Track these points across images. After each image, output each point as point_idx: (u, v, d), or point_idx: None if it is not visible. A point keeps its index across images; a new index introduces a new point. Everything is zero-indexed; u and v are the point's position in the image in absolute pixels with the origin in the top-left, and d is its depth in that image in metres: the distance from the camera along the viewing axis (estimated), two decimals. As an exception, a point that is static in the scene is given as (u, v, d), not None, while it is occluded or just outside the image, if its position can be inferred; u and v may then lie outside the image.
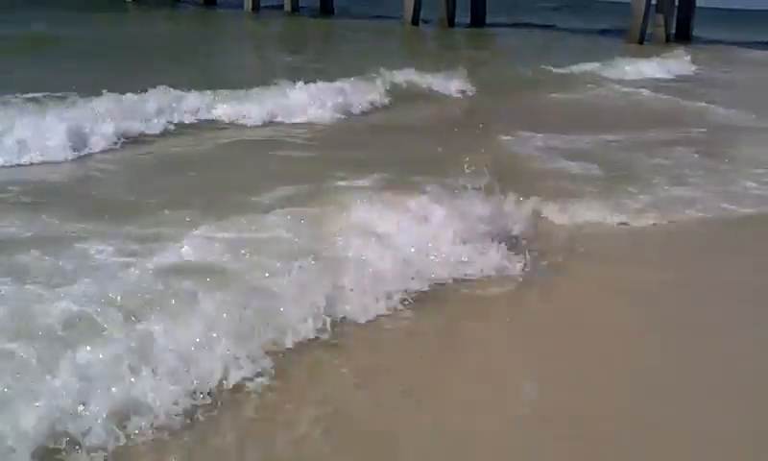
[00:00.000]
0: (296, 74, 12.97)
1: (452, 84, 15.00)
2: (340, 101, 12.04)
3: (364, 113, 12.44)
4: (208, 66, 17.84)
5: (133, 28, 29.96)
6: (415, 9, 37.06)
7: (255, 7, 41.34)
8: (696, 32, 36.91)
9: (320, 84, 12.45)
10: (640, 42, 32.35)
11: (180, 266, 5.00)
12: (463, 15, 39.16)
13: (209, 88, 11.49)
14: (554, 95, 15.94)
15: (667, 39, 33.11)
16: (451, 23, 38.37)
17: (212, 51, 21.78)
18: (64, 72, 14.08)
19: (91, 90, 10.17)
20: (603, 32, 39.34)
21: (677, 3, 35.09)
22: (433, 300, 5.20)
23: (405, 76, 14.57)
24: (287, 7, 42.41)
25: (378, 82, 13.54)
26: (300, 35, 33.18)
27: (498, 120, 12.36)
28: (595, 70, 20.26)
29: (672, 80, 20.71)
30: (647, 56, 24.30)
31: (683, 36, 35.74)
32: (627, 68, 21.07)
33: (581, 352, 4.61)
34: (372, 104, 12.80)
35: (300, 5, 42.65)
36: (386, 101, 13.17)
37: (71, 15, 32.05)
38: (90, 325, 4.06)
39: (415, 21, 36.99)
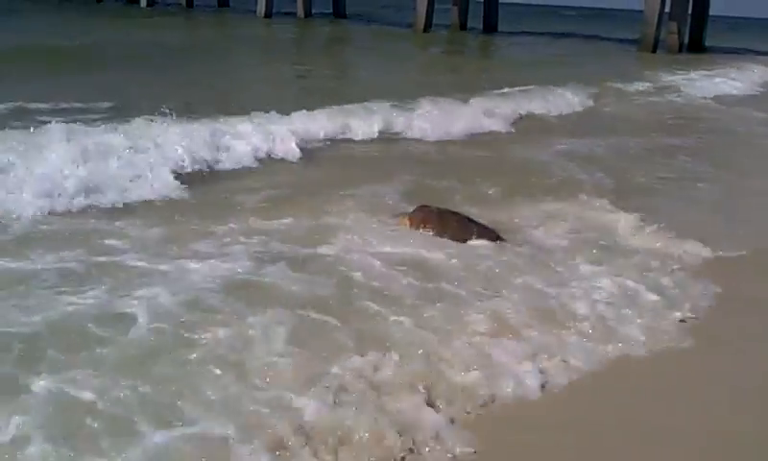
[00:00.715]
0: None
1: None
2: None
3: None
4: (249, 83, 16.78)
5: (178, 33, 29.77)
6: (427, 15, 37.21)
7: (268, 13, 41.54)
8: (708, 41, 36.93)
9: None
10: (653, 51, 32.43)
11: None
12: (474, 21, 39.37)
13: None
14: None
15: (680, 48, 33.11)
16: (463, 28, 38.54)
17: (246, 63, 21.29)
18: (138, 85, 13.92)
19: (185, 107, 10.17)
20: (612, 40, 39.40)
21: (690, 11, 35.08)
22: None
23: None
24: (300, 12, 42.65)
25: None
26: (313, 42, 33.35)
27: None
28: (677, 82, 19.58)
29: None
30: (685, 66, 23.72)
31: (696, 44, 35.77)
32: (701, 84, 19.93)
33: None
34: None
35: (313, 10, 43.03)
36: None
37: (90, 21, 32.34)
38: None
39: (426, 28, 37.11)
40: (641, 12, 33.68)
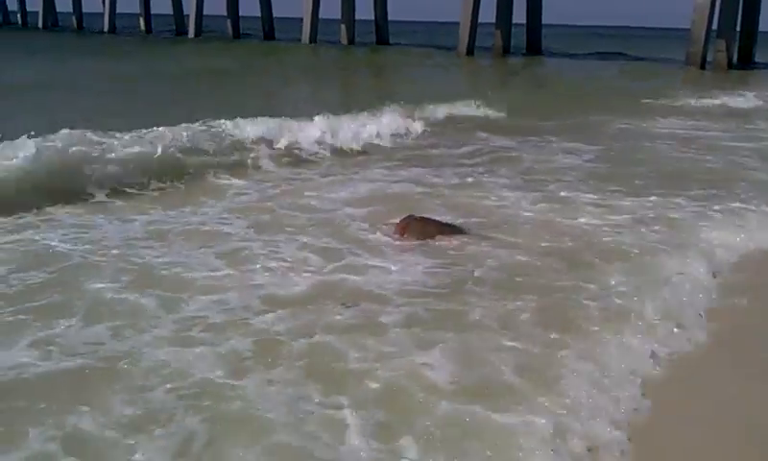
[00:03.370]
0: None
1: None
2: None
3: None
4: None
5: (230, 61, 30.58)
6: (470, 38, 37.46)
7: (313, 39, 42.30)
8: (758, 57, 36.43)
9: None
10: (702, 68, 32.13)
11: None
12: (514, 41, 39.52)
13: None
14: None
15: (729, 65, 32.70)
16: (506, 51, 38.68)
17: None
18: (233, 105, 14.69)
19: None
20: (660, 60, 39.12)
21: (738, 27, 34.67)
22: None
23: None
24: (343, 40, 43.33)
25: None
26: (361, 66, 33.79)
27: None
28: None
29: None
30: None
31: (745, 61, 35.32)
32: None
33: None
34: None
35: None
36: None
37: (150, 53, 33.37)
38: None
39: (470, 51, 37.36)
40: (687, 30, 33.50)
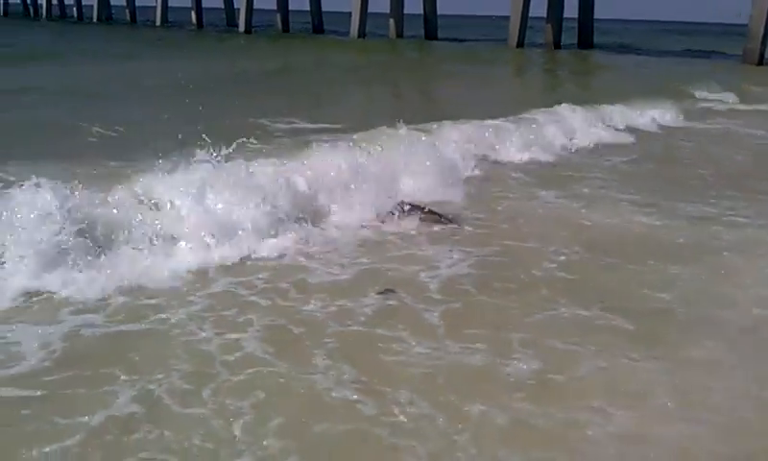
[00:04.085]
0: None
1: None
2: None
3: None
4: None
5: (305, 57, 30.53)
6: (520, 32, 37.25)
7: (362, 33, 42.54)
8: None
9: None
10: (759, 64, 31.45)
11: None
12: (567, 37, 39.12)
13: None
14: None
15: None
16: (557, 46, 38.34)
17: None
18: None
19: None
20: (709, 54, 38.38)
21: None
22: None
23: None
24: (391, 34, 43.46)
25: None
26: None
27: None
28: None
29: None
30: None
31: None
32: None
33: None
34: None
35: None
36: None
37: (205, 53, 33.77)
38: None
39: (520, 44, 37.15)
40: (744, 25, 32.84)
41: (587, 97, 15.01)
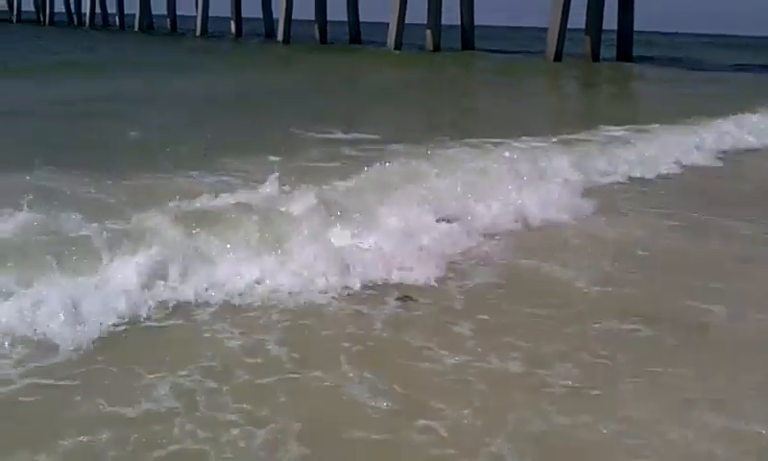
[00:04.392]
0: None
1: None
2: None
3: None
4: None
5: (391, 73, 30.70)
6: (558, 43, 36.84)
7: (398, 45, 42.55)
8: None
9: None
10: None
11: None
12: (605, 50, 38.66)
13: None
14: None
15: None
16: (596, 58, 37.89)
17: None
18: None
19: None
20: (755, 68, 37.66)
21: None
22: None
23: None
24: (428, 45, 43.35)
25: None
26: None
27: None
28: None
29: None
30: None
31: None
32: None
33: None
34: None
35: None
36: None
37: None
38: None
39: (557, 57, 36.74)
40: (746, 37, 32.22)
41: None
